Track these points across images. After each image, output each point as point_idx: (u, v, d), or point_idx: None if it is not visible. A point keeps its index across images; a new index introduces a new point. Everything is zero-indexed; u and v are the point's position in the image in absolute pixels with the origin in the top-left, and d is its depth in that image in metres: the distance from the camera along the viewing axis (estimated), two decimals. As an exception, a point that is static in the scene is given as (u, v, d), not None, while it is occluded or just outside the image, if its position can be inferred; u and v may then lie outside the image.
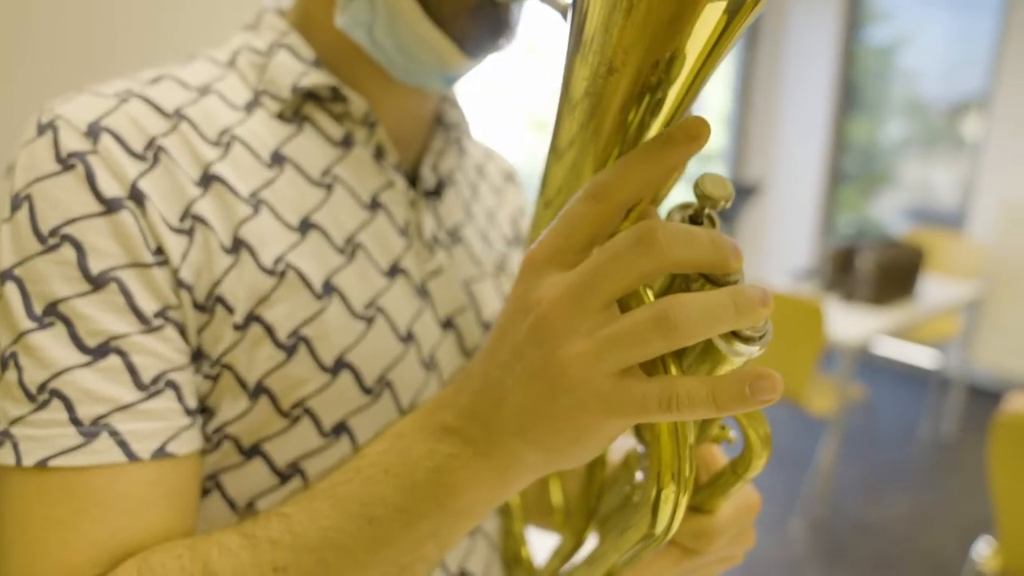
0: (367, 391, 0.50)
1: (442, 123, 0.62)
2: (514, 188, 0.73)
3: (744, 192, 4.08)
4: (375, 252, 0.52)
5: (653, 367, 0.33)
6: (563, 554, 0.54)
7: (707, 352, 0.34)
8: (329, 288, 0.49)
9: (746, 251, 3.58)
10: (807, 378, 2.60)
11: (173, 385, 0.44)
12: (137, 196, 0.43)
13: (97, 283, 0.42)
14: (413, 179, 0.59)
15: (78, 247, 0.42)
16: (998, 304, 3.78)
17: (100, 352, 0.41)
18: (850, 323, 2.61)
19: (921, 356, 4.21)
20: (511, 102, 4.34)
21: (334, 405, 0.49)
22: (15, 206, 0.43)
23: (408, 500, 0.38)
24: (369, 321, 0.50)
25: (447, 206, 0.60)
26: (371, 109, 0.53)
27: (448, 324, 0.57)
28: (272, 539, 0.39)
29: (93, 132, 0.44)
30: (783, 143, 4.69)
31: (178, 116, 0.47)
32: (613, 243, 0.32)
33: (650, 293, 0.34)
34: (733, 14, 0.31)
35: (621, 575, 0.43)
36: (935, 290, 3.11)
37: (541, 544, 0.65)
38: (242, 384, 0.46)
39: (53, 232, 0.42)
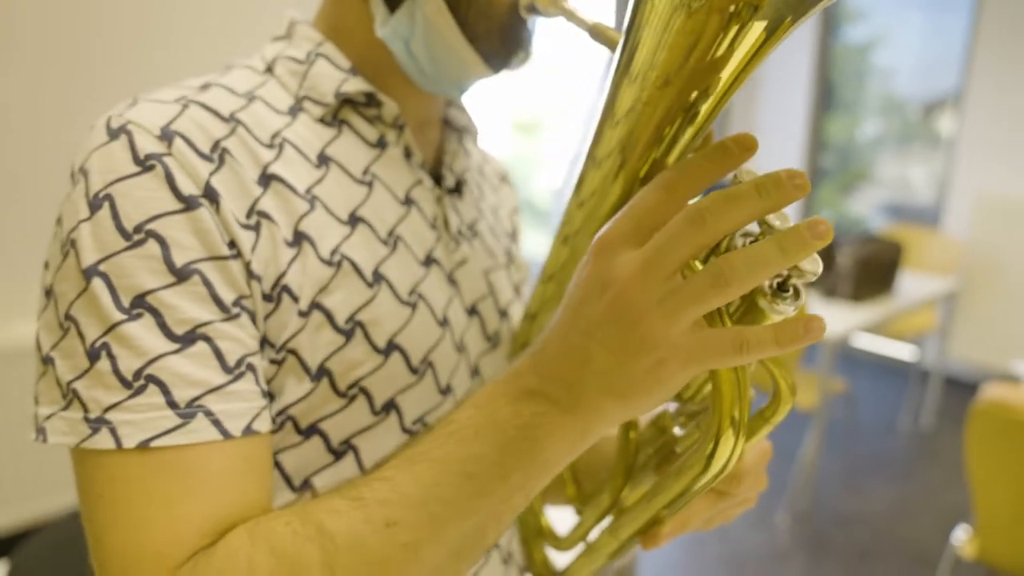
0: (413, 371, 0.55)
1: (450, 126, 0.67)
2: (508, 188, 0.80)
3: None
4: (412, 243, 0.58)
5: (711, 321, 0.39)
6: (599, 512, 0.59)
7: (753, 313, 0.40)
8: (378, 276, 0.54)
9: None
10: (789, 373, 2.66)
11: (252, 368, 0.47)
12: (211, 194, 0.47)
13: (181, 275, 0.45)
14: (435, 178, 0.64)
15: (162, 242, 0.45)
16: (974, 298, 3.86)
17: (188, 339, 0.44)
18: (831, 318, 2.67)
19: (900, 350, 4.29)
20: (498, 105, 4.38)
21: (386, 384, 0.54)
22: (95, 206, 0.45)
23: (501, 456, 0.43)
24: (413, 307, 0.56)
25: (465, 203, 0.66)
26: (400, 113, 0.58)
27: (473, 311, 0.63)
28: (379, 499, 0.43)
29: (167, 135, 0.47)
30: (761, 142, 4.75)
31: (234, 120, 0.51)
32: (671, 224, 0.38)
33: (697, 264, 0.39)
34: (771, 31, 0.36)
35: (663, 520, 0.50)
36: (913, 285, 3.18)
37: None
38: (305, 367, 0.50)
39: (137, 229, 0.44)
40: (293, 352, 0.49)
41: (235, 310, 0.47)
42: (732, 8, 0.35)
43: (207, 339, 0.45)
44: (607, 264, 0.40)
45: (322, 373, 0.51)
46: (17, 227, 2.08)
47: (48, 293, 0.47)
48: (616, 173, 0.47)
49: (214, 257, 0.46)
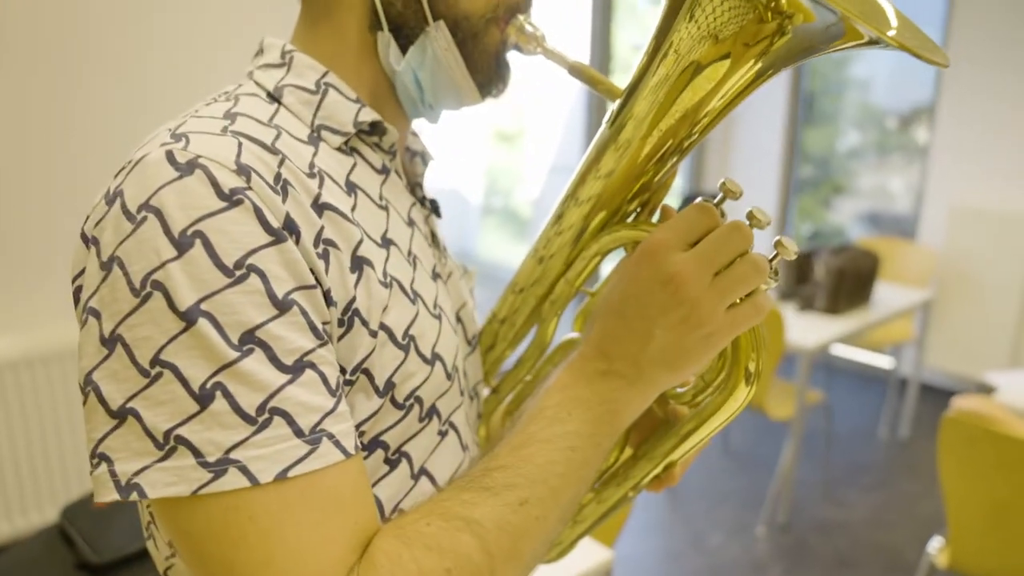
0: (449, 377, 0.61)
1: (409, 150, 0.71)
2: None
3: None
4: (423, 261, 0.63)
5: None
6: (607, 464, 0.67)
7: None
8: (415, 293, 0.59)
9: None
10: (767, 384, 2.68)
11: (342, 389, 0.49)
12: (291, 226, 0.47)
13: (282, 307, 0.45)
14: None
15: (262, 275, 0.45)
16: (949, 308, 3.91)
17: (298, 368, 0.45)
18: (808, 330, 2.69)
19: (877, 359, 4.33)
20: (479, 115, 4.40)
21: (432, 391, 0.59)
22: (185, 244, 0.43)
23: (594, 428, 0.53)
24: (439, 319, 0.61)
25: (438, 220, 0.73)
26: (397, 140, 0.62)
27: (458, 319, 0.69)
28: (507, 484, 0.49)
29: (244, 170, 0.46)
30: (741, 154, 4.80)
31: (278, 151, 0.51)
32: (720, 232, 0.51)
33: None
34: (762, 73, 0.51)
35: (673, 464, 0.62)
36: (889, 296, 3.22)
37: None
38: (374, 385, 0.53)
39: (238, 264, 0.44)
40: (366, 372, 0.52)
41: (325, 336, 0.48)
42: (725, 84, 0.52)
43: (312, 366, 0.46)
44: (663, 263, 0.51)
45: (389, 388, 0.54)
46: (-11, 241, 2.06)
47: (110, 341, 0.44)
48: (593, 213, 0.60)
49: (304, 287, 0.47)
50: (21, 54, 2.02)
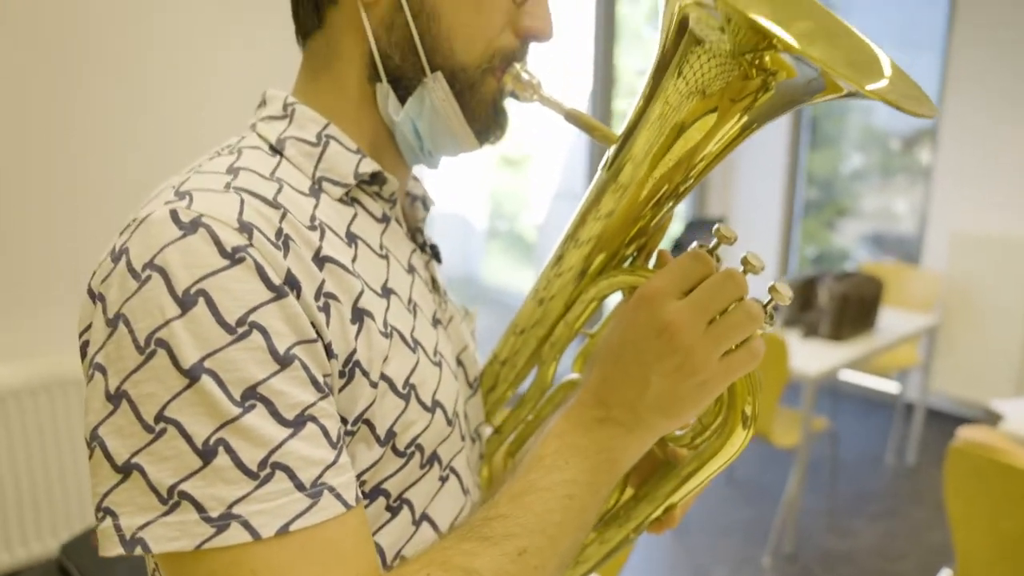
0: (449, 423, 0.62)
1: (410, 195, 0.72)
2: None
3: (707, 225, 4.17)
4: (424, 308, 0.64)
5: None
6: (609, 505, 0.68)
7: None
8: (415, 341, 0.60)
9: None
10: (771, 412, 2.66)
11: (343, 440, 0.50)
12: (292, 281, 0.48)
13: (284, 362, 0.46)
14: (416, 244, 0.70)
15: (264, 332, 0.46)
16: (954, 333, 3.89)
17: (299, 422, 0.46)
18: (812, 356, 2.68)
19: (883, 383, 4.30)
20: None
21: (433, 439, 0.60)
22: (188, 302, 0.44)
23: (592, 476, 0.54)
24: (439, 365, 0.62)
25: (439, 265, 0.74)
26: (397, 188, 0.63)
27: (459, 362, 0.70)
28: (506, 534, 0.50)
29: (246, 228, 0.47)
30: (745, 177, 4.82)
31: (280, 205, 0.52)
32: (713, 280, 0.52)
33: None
34: (748, 126, 0.53)
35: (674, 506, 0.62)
36: (894, 321, 3.21)
37: None
38: (375, 434, 0.54)
39: (240, 321, 0.45)
40: (367, 422, 0.53)
41: (326, 389, 0.49)
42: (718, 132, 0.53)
43: (313, 419, 0.47)
44: (658, 311, 0.52)
45: (390, 437, 0.55)
46: (-6, 271, 2.07)
47: (116, 397, 0.45)
48: (592, 255, 0.62)
49: (305, 341, 0.48)
50: (20, 66, 2.05)
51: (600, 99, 3.95)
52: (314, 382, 0.48)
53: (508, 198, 5.82)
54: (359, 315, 0.53)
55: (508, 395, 0.74)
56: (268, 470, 0.44)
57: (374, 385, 0.54)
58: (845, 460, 3.57)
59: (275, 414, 0.45)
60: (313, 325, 0.49)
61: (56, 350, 2.15)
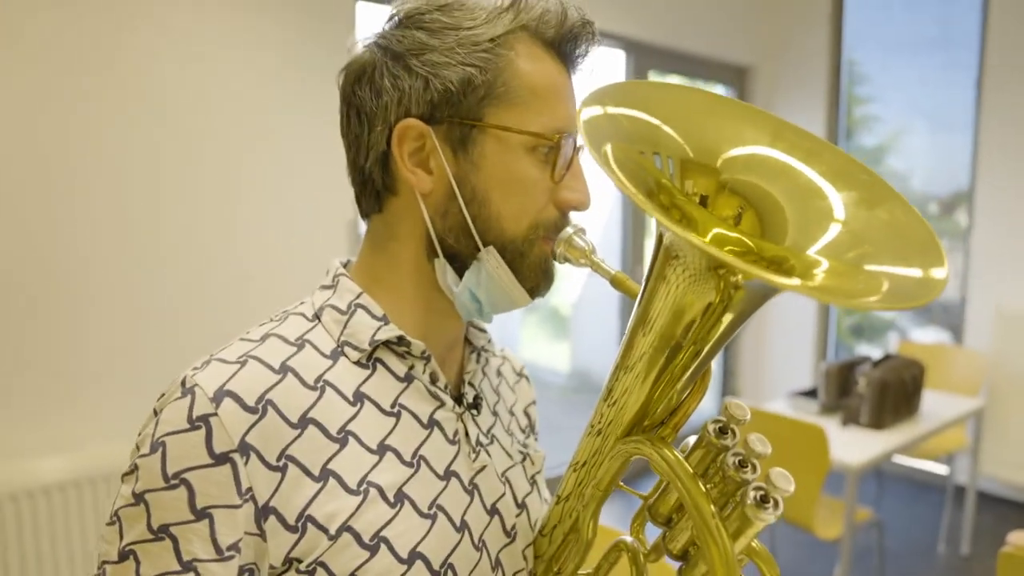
0: (435, 574, 0.65)
1: (470, 344, 0.79)
2: (525, 383, 0.92)
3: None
4: (433, 461, 0.69)
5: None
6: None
7: (741, 522, 0.55)
8: (401, 496, 0.65)
9: (747, 374, 3.58)
10: (814, 503, 2.60)
11: None
12: (243, 448, 0.58)
13: (199, 516, 0.57)
14: (457, 394, 0.75)
15: (189, 489, 0.57)
16: (1002, 415, 3.78)
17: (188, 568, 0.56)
18: (853, 445, 2.63)
19: (931, 465, 4.17)
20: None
21: None
22: (152, 448, 0.58)
23: None
24: (433, 519, 0.66)
25: (483, 414, 0.78)
26: (427, 347, 0.69)
27: (493, 511, 0.73)
28: None
29: (217, 397, 0.58)
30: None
31: (284, 369, 0.63)
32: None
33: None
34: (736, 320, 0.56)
35: None
36: (938, 405, 3.12)
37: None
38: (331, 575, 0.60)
39: (175, 475, 0.57)
40: (323, 565, 0.59)
41: (229, 553, 0.57)
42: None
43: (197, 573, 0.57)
44: None
45: None
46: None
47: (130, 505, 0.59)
48: (644, 377, 0.62)
49: (226, 505, 0.57)
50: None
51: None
52: (215, 544, 0.57)
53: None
54: (325, 475, 0.61)
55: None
56: None
57: (332, 537, 0.60)
58: (894, 549, 3.44)
59: (177, 552, 0.56)
60: (250, 489, 0.58)
61: (94, 443, 2.22)
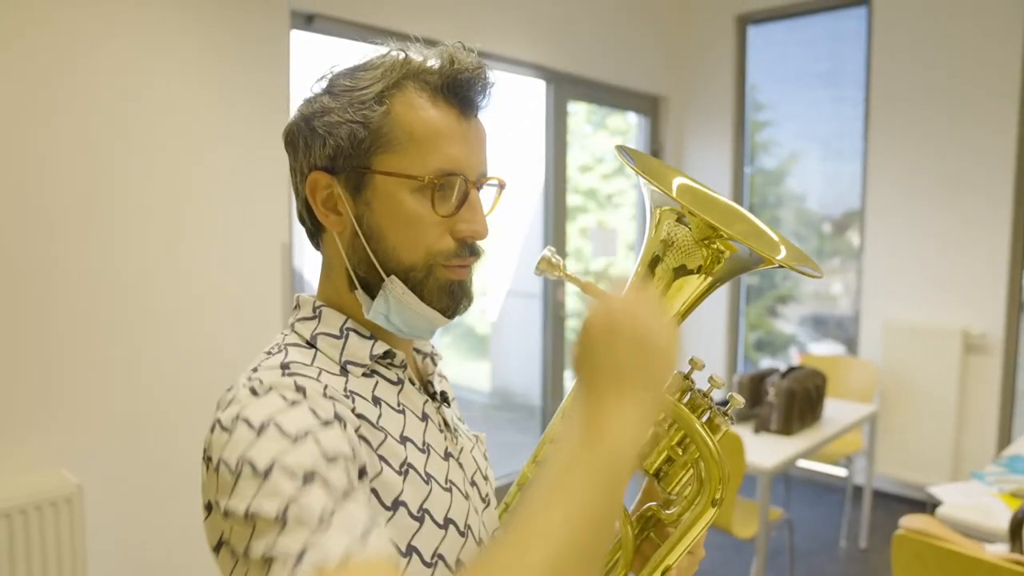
0: (462, 534, 0.76)
1: (420, 352, 0.91)
2: (446, 378, 1.04)
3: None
4: (435, 446, 0.79)
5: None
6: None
7: (712, 425, 0.83)
8: (428, 475, 0.75)
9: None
10: (731, 505, 2.80)
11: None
12: (339, 417, 0.65)
13: (330, 457, 0.60)
14: (428, 394, 0.87)
15: (317, 441, 0.61)
16: (892, 419, 4.12)
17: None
18: (765, 451, 2.84)
19: (832, 469, 4.49)
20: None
21: (451, 549, 0.74)
22: (262, 427, 0.60)
23: (584, 437, 0.62)
24: (450, 491, 0.77)
25: (452, 407, 0.91)
26: (405, 357, 0.81)
27: (473, 483, 0.85)
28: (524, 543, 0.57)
29: (300, 388, 0.65)
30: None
31: (321, 383, 0.68)
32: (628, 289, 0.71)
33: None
34: (714, 284, 0.83)
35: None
36: (838, 412, 3.40)
37: None
38: (399, 549, 0.69)
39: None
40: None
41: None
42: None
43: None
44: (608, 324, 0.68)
45: (410, 550, 0.70)
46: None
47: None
48: None
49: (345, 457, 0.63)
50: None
51: (554, 193, 4.25)
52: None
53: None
54: (380, 460, 0.70)
55: None
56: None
57: (389, 509, 0.69)
58: (801, 546, 3.69)
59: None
60: (354, 451, 0.64)
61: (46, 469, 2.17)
